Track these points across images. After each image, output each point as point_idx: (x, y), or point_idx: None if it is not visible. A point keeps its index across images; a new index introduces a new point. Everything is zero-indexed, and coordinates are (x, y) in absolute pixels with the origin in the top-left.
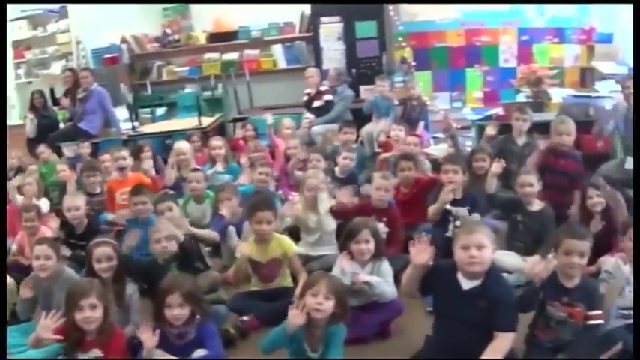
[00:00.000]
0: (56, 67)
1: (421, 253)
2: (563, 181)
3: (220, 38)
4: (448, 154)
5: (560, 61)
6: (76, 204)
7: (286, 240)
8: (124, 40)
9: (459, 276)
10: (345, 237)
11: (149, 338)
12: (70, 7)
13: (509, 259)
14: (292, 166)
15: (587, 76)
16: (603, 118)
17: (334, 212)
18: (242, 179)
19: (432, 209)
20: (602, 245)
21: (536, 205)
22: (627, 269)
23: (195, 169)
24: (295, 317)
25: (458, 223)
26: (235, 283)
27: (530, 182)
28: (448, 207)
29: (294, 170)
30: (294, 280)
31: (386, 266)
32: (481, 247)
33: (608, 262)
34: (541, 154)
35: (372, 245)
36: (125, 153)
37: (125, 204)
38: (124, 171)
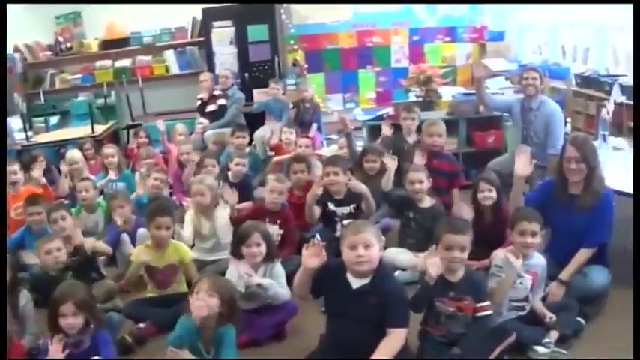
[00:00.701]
0: None
1: (313, 257)
2: (440, 181)
3: (112, 45)
4: (329, 156)
5: (452, 60)
6: None
7: (183, 246)
8: (16, 49)
9: (349, 275)
10: (237, 241)
11: (57, 350)
12: None
13: (402, 256)
14: (188, 173)
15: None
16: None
17: (233, 221)
18: (139, 190)
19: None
20: (495, 239)
21: (427, 202)
22: (517, 262)
23: (84, 178)
24: (198, 309)
25: (345, 222)
26: (127, 287)
27: (420, 179)
28: (332, 208)
29: (190, 177)
30: (190, 286)
31: (278, 268)
32: (368, 246)
33: (497, 256)
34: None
35: (263, 248)
36: (16, 167)
37: (20, 218)
38: (16, 185)
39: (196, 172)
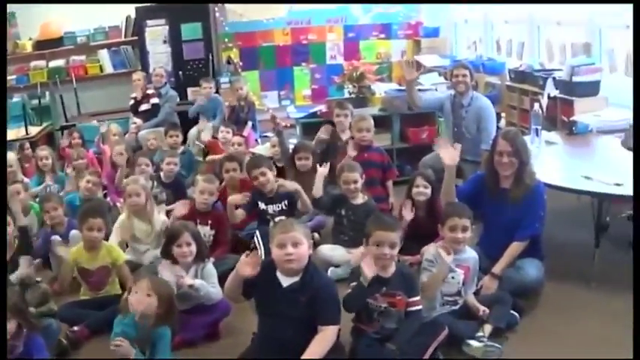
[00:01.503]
0: None
1: (248, 266)
2: (373, 172)
3: (46, 45)
4: (251, 159)
5: (388, 56)
6: None
7: (116, 248)
8: None
9: (279, 274)
10: (166, 241)
11: None
12: None
13: (335, 252)
14: (121, 176)
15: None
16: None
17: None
18: (68, 187)
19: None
20: (429, 234)
21: (360, 199)
22: (448, 258)
23: (15, 181)
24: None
25: (277, 219)
26: (61, 289)
27: (354, 179)
28: (263, 206)
29: (122, 179)
30: (123, 288)
31: (209, 268)
32: (297, 244)
33: (428, 251)
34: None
35: (193, 248)
36: None
37: None
38: None
39: (130, 172)
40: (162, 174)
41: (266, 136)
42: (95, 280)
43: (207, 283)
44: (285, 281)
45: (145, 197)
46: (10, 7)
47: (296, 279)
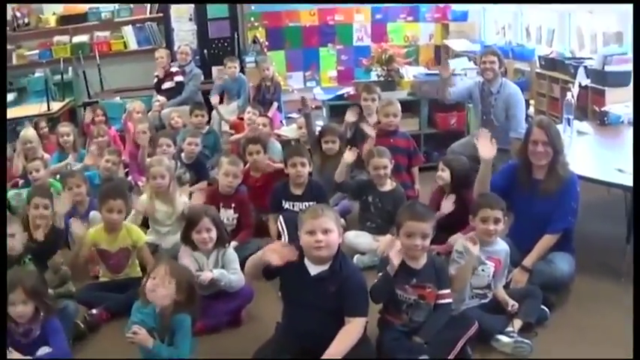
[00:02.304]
0: None
1: (275, 254)
2: (399, 158)
3: (70, 20)
4: (293, 146)
5: (415, 40)
6: None
7: (136, 230)
8: None
9: (307, 262)
10: (186, 227)
11: None
12: None
13: (361, 240)
14: (143, 155)
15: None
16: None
17: None
18: (87, 161)
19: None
20: (457, 223)
21: (388, 186)
22: (475, 249)
23: (35, 158)
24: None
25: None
26: (73, 267)
27: (384, 165)
28: (287, 205)
29: (145, 158)
30: (144, 270)
31: (230, 253)
32: (327, 231)
33: (458, 241)
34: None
35: (213, 233)
36: None
37: None
38: None
39: (152, 151)
40: (183, 154)
41: (291, 117)
42: (115, 262)
43: (228, 270)
44: (314, 269)
45: (169, 179)
46: None
47: (325, 267)
